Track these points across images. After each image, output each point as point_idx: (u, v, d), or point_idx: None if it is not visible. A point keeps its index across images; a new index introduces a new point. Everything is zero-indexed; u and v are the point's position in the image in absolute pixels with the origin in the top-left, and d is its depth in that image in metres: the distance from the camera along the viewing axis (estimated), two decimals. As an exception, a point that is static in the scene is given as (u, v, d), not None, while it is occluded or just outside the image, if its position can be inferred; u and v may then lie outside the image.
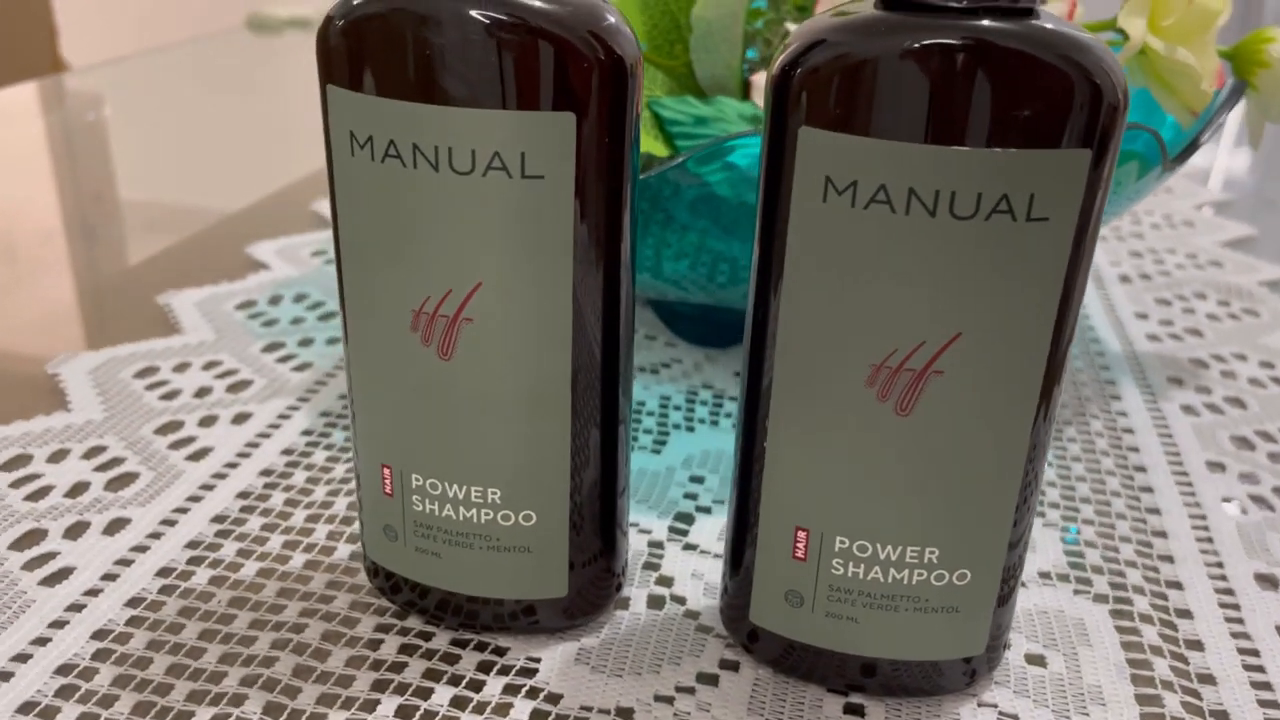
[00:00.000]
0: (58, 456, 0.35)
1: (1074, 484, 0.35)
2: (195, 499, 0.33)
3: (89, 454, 0.35)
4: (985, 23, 0.21)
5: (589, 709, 0.26)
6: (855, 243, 0.22)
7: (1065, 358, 0.23)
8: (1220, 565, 0.32)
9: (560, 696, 0.26)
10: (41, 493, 0.33)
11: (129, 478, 0.34)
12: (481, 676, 0.26)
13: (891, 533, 0.24)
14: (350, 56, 0.23)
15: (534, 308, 0.24)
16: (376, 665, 0.27)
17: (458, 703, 0.26)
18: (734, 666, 0.27)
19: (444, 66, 0.22)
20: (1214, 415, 0.40)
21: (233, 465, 0.34)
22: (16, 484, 0.33)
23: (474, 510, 0.26)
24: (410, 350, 0.25)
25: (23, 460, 0.34)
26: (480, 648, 0.27)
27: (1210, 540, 0.33)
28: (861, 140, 0.21)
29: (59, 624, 0.28)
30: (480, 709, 0.25)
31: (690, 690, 0.26)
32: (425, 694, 0.26)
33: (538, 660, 0.27)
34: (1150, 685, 0.27)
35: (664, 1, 0.43)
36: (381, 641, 0.27)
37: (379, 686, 0.26)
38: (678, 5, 0.43)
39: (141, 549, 0.30)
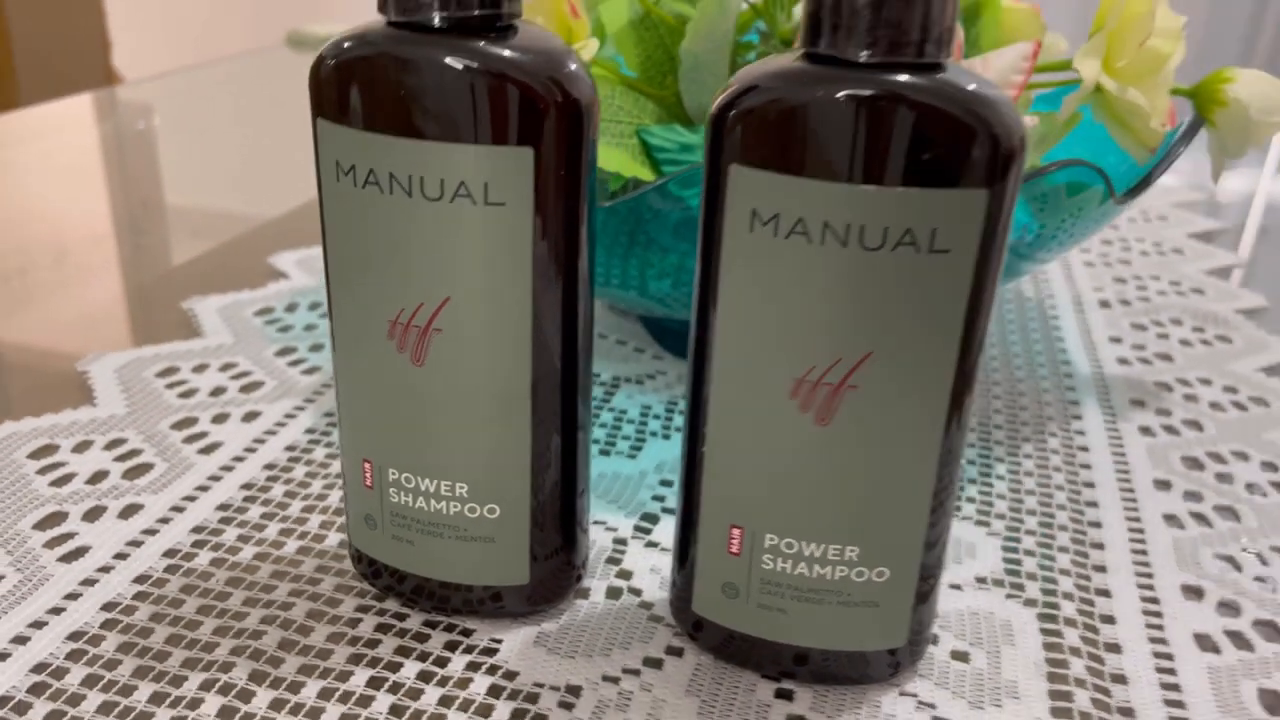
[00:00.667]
0: (82, 447, 0.38)
1: (1023, 497, 0.37)
2: (203, 488, 0.36)
3: (110, 445, 0.38)
4: (899, 77, 0.23)
5: (541, 685, 0.28)
6: (777, 269, 0.24)
7: (974, 373, 0.26)
8: (1150, 576, 0.34)
9: (516, 674, 0.28)
10: (65, 479, 0.36)
11: (145, 468, 0.37)
12: (447, 654, 0.29)
13: (814, 531, 0.27)
14: (338, 93, 0.26)
15: (497, 320, 0.27)
16: (354, 641, 0.29)
17: (423, 676, 0.28)
18: (679, 652, 0.29)
19: (419, 105, 0.25)
20: (1170, 436, 0.42)
21: (239, 459, 0.38)
22: (43, 470, 0.36)
23: (443, 503, 0.29)
24: (387, 356, 0.28)
25: (50, 449, 0.38)
26: (449, 629, 0.30)
27: (1145, 553, 0.35)
28: (783, 177, 0.24)
29: (73, 596, 0.31)
30: (443, 682, 0.28)
31: (635, 672, 0.29)
32: (395, 668, 0.29)
33: (500, 641, 0.30)
34: (1064, 683, 0.29)
35: (658, 35, 0.45)
36: (360, 620, 0.30)
37: (354, 660, 0.29)
38: (671, 39, 0.45)
39: (151, 532, 0.34)
